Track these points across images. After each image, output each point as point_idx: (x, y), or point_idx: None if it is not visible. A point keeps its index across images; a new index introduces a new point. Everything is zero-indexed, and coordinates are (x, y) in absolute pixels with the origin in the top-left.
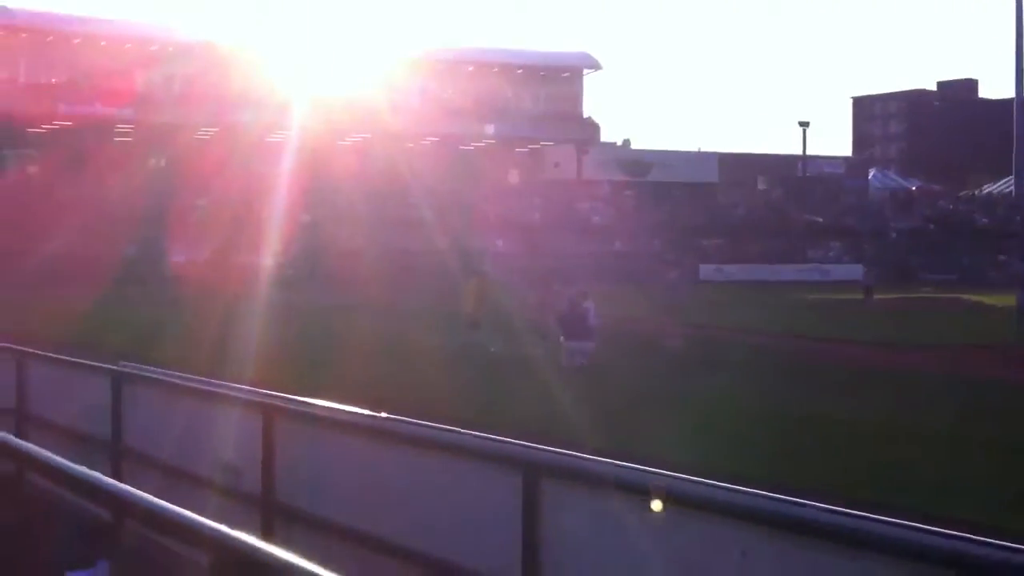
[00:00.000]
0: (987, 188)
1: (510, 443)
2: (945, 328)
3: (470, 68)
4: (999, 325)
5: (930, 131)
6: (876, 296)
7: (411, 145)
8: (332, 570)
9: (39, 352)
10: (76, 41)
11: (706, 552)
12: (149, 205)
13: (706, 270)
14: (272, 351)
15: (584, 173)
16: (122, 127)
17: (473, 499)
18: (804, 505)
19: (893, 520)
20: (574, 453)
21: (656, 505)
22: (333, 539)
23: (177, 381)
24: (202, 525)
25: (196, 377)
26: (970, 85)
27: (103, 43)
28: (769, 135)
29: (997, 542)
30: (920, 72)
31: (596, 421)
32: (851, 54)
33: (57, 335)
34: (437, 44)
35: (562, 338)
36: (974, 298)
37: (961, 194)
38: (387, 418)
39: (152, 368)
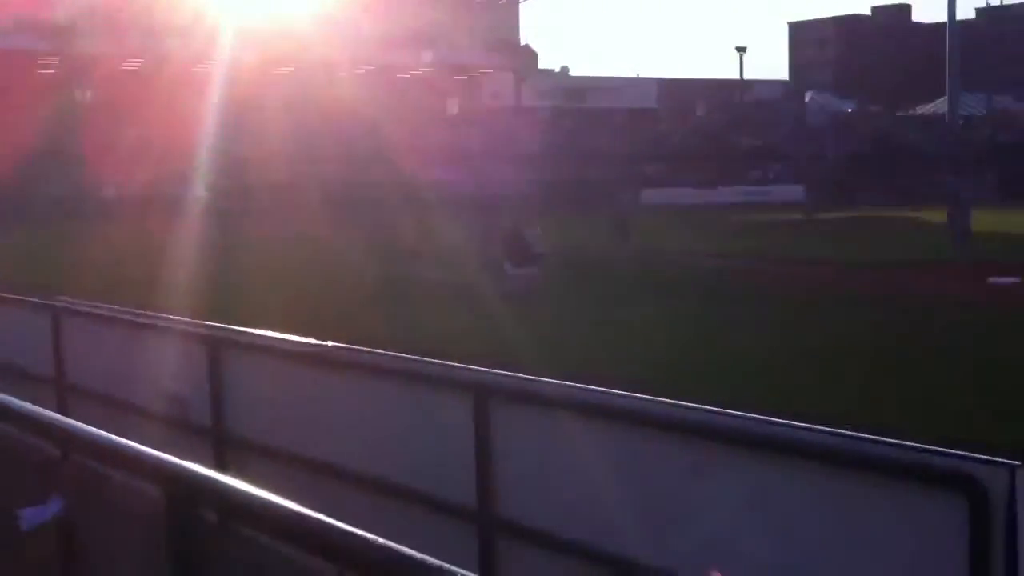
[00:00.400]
0: (920, 109)
1: (459, 367)
2: (884, 247)
3: None
4: (934, 241)
5: (865, 55)
6: (808, 218)
7: (345, 75)
8: (286, 498)
9: None
10: None
11: (657, 468)
12: (77, 139)
13: (648, 195)
14: (211, 285)
15: (523, 101)
16: (45, 59)
17: (425, 423)
18: (751, 419)
19: (840, 432)
20: (523, 375)
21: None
22: (286, 467)
23: (119, 315)
24: (154, 457)
25: (139, 311)
26: (903, 9)
27: None
28: (707, 60)
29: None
30: None
31: (543, 346)
32: None
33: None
34: None
35: (506, 265)
36: (909, 215)
37: (897, 114)
38: (334, 346)
39: (92, 303)
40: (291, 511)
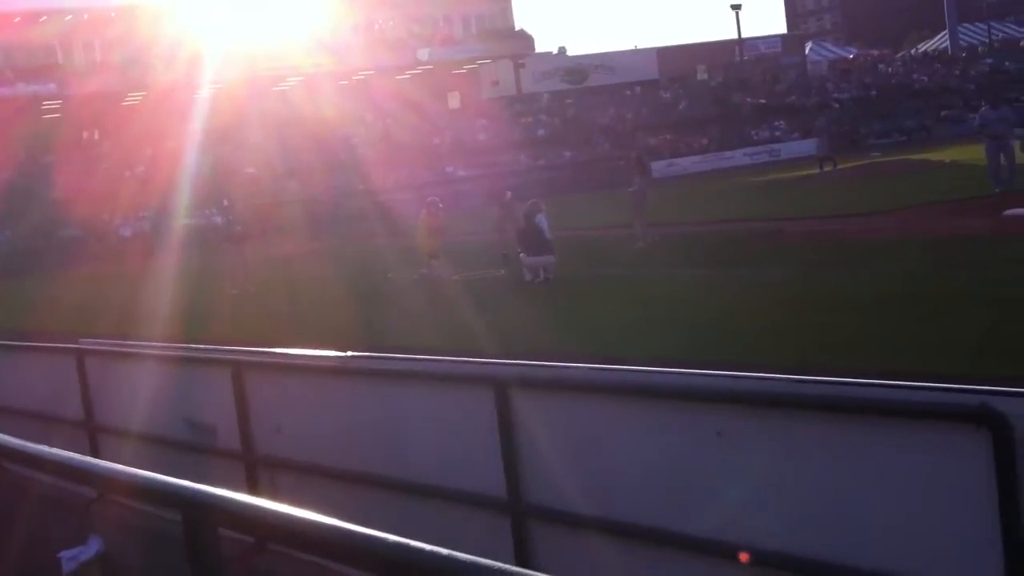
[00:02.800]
0: (922, 47)
1: (476, 362)
2: (907, 190)
3: None
4: (963, 180)
5: None
6: (833, 167)
7: (345, 83)
8: (320, 511)
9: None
10: None
11: (681, 438)
12: (87, 180)
13: (658, 167)
14: (239, 307)
15: (523, 87)
16: (49, 104)
17: (449, 422)
18: (774, 379)
19: (875, 381)
20: (541, 362)
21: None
22: (317, 482)
23: (140, 351)
24: (172, 484)
25: (159, 343)
26: None
27: (17, 19)
28: (704, 23)
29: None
30: None
31: (565, 331)
32: None
33: (22, 325)
34: None
35: (522, 255)
36: (923, 157)
37: (899, 55)
38: (353, 356)
39: (113, 341)
40: (312, 523)
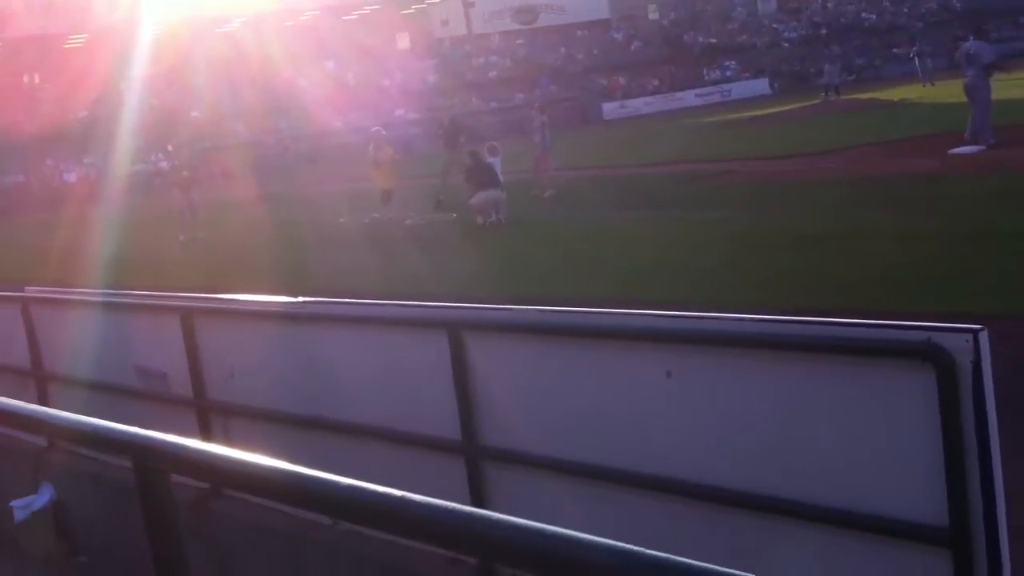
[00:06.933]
0: None
1: (429, 306)
2: (858, 129)
3: None
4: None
5: None
6: (838, 97)
7: (291, 23)
8: (274, 456)
9: None
10: None
11: (632, 378)
12: (29, 125)
13: (609, 108)
14: (187, 254)
15: (474, 28)
16: None
17: (403, 366)
18: (722, 319)
19: (820, 319)
20: (493, 306)
21: None
22: (271, 427)
23: (90, 298)
24: (122, 431)
25: (107, 291)
26: None
27: None
28: None
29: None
30: None
31: (515, 274)
32: None
33: None
34: None
35: (472, 198)
36: (872, 96)
37: None
38: (304, 301)
39: (60, 289)
40: (265, 467)
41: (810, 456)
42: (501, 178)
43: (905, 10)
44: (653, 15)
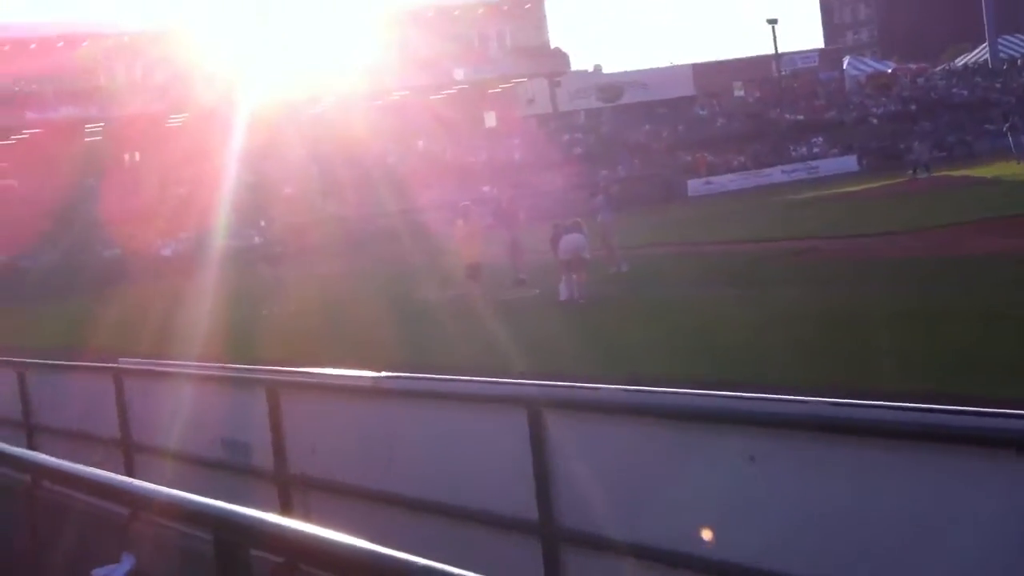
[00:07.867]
0: (961, 60)
1: (509, 383)
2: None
3: (430, 15)
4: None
5: (899, 10)
6: (928, 175)
7: (379, 103)
8: (352, 532)
9: (39, 361)
10: (32, 47)
11: (715, 463)
12: (128, 201)
13: (694, 184)
14: (279, 327)
15: (559, 105)
16: (91, 127)
17: (481, 443)
18: (807, 402)
19: (906, 405)
20: (574, 384)
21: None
22: (350, 502)
23: (177, 370)
24: (204, 505)
25: (196, 363)
26: None
27: (59, 44)
28: (740, 38)
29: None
30: None
31: (597, 351)
32: None
33: (64, 343)
34: None
35: (559, 250)
36: (976, 173)
37: (938, 69)
38: (387, 377)
39: (152, 361)
40: (343, 544)
41: (891, 548)
42: (587, 256)
43: (998, 85)
44: (739, 92)
